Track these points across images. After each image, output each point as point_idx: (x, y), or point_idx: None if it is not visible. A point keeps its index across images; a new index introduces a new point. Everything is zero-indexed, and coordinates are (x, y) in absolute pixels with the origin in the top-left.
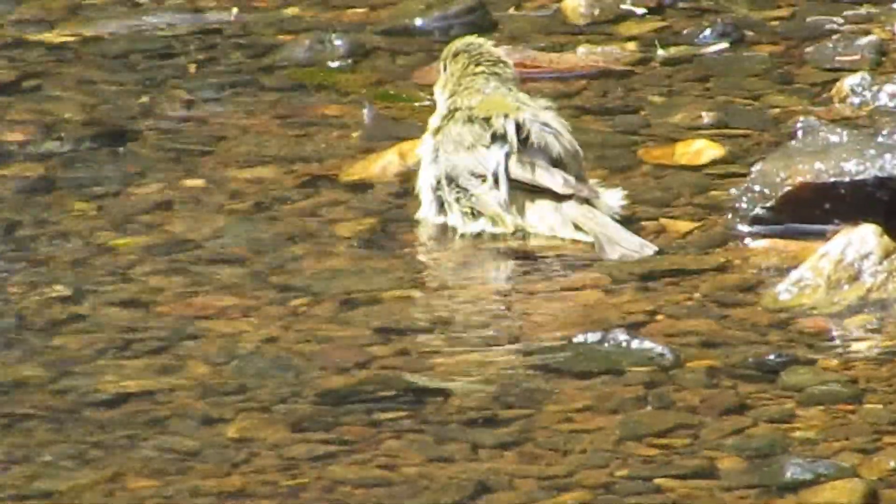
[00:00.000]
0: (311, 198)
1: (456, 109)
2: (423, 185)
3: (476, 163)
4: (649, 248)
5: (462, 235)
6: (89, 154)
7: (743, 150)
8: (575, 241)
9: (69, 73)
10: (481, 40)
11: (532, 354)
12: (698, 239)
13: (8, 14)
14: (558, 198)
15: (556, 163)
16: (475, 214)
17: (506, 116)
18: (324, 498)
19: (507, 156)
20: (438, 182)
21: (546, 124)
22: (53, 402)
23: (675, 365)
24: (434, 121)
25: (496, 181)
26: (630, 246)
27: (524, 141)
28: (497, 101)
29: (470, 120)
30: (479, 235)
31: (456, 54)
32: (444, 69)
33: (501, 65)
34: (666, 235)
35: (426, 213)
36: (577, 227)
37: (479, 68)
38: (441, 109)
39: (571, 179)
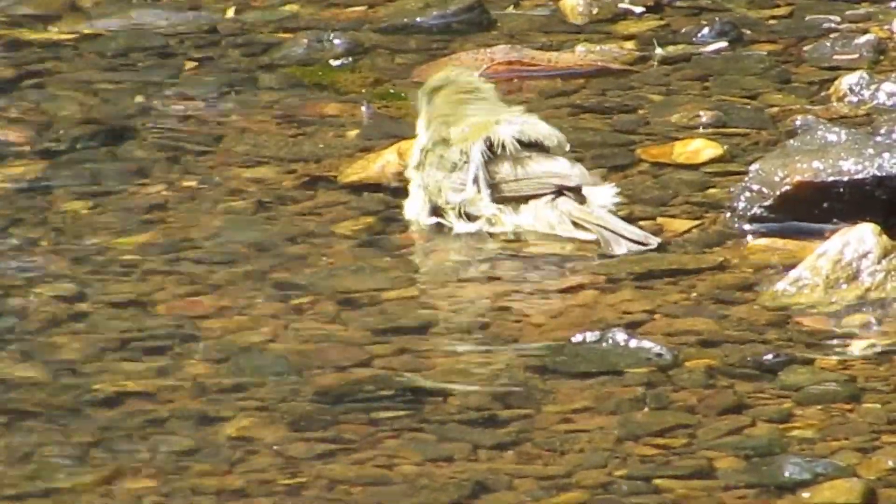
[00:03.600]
0: (310, 197)
1: (439, 140)
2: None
3: (457, 182)
4: (653, 239)
5: (459, 235)
6: (88, 153)
7: (741, 148)
8: (574, 240)
9: (67, 71)
10: (458, 71)
11: (530, 354)
12: (696, 238)
13: (6, 11)
14: (555, 195)
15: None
16: (470, 217)
17: (487, 139)
18: (323, 497)
19: (484, 159)
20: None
21: (525, 123)
22: (53, 401)
23: (674, 364)
24: (415, 156)
25: (477, 184)
26: (635, 237)
27: (501, 149)
28: (479, 124)
29: (446, 143)
30: (476, 235)
31: (437, 89)
32: (427, 104)
33: (485, 89)
34: (664, 234)
35: (416, 213)
36: (577, 225)
37: (466, 95)
38: (422, 142)
39: (578, 165)
